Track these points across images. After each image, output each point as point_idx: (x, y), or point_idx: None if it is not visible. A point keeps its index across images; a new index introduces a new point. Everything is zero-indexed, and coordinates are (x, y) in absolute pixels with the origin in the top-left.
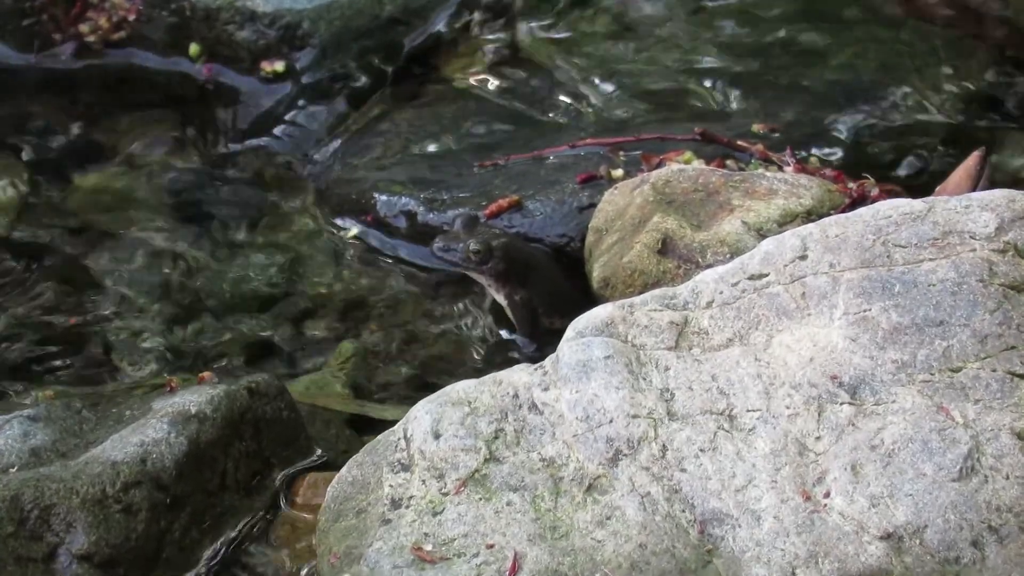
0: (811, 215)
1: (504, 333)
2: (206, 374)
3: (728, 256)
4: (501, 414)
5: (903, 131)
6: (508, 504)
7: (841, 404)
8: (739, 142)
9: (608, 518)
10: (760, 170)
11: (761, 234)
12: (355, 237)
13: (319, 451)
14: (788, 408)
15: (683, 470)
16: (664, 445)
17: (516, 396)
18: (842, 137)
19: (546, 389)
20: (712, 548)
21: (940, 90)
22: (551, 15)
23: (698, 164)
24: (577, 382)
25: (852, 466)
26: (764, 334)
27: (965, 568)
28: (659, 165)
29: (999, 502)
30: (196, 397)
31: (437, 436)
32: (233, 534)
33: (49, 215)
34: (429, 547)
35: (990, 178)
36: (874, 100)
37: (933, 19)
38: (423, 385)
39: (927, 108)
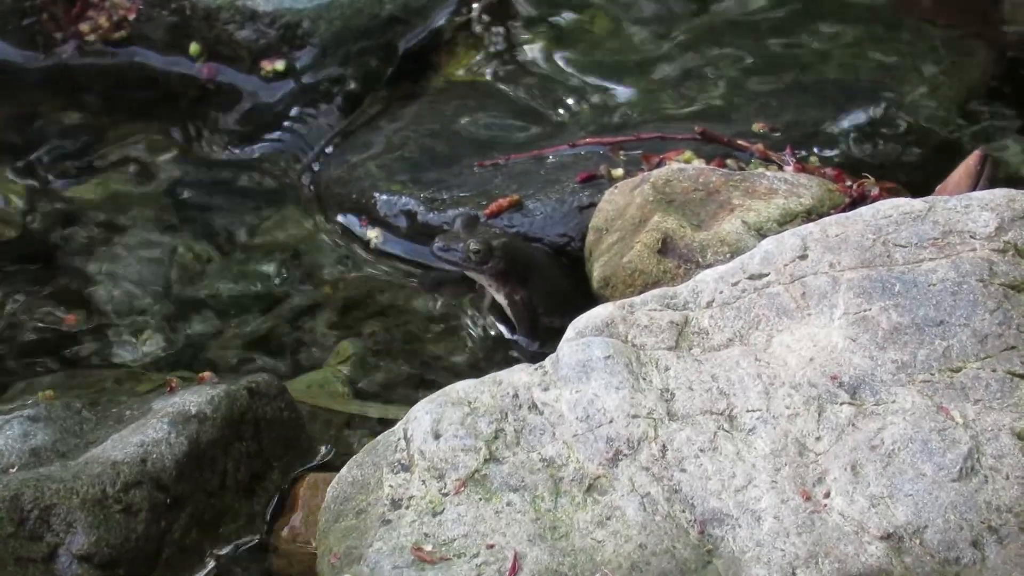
0: (811, 214)
1: (504, 333)
2: (206, 374)
3: (728, 256)
4: (501, 414)
5: (903, 130)
6: (508, 504)
7: (841, 404)
8: (739, 141)
9: (608, 518)
10: (760, 169)
11: (761, 234)
12: (375, 245)
13: (322, 450)
14: (788, 408)
15: (683, 470)
16: (664, 445)
17: (516, 396)
18: (842, 136)
19: (546, 389)
20: (712, 548)
21: (940, 89)
22: (550, 14)
23: (698, 163)
24: (577, 382)
25: (852, 466)
26: (764, 334)
27: (965, 568)
28: (659, 164)
29: (999, 502)
30: (196, 397)
31: (437, 436)
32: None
33: (49, 215)
34: (429, 547)
35: (990, 177)
36: (874, 99)
37: (931, 18)
38: (423, 385)
39: (927, 107)
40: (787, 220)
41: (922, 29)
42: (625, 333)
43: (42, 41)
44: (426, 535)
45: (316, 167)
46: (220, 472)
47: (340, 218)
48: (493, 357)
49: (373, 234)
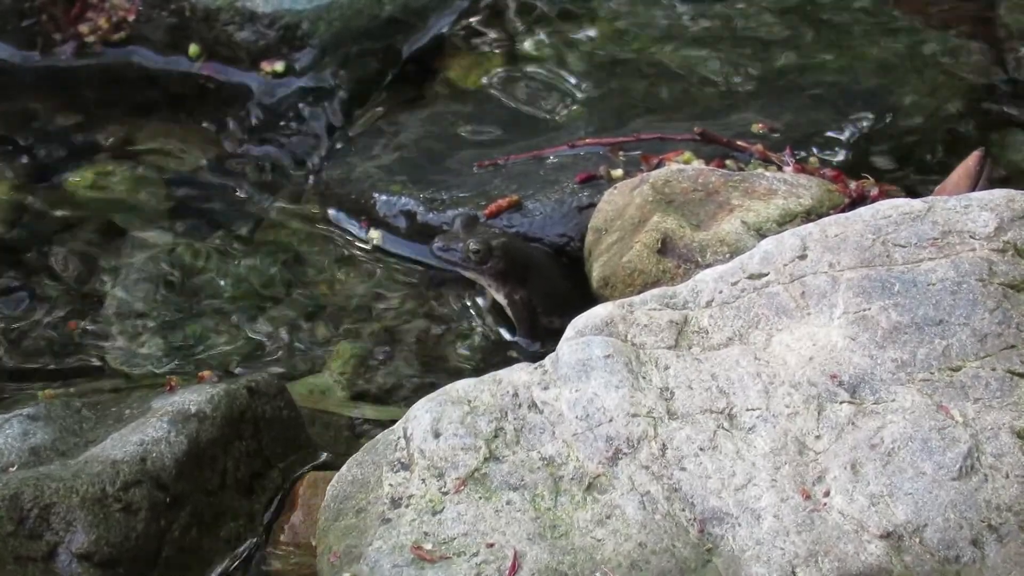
0: (811, 215)
1: (504, 333)
2: (206, 373)
3: (728, 256)
4: (501, 413)
5: (902, 131)
6: (508, 503)
7: (841, 403)
8: (738, 142)
9: (608, 517)
10: (759, 170)
11: (761, 234)
12: (377, 246)
13: (324, 455)
14: (788, 407)
15: (683, 469)
16: (664, 444)
17: (516, 395)
18: (841, 137)
19: (546, 388)
20: (712, 547)
21: (938, 91)
22: (550, 17)
23: (697, 164)
24: (577, 381)
25: (852, 465)
26: (764, 333)
27: (965, 567)
28: (659, 165)
29: (999, 501)
30: (196, 396)
31: (437, 435)
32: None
33: (48, 215)
34: (429, 546)
35: (989, 177)
36: (873, 101)
37: (929, 20)
38: (423, 385)
39: (926, 108)
40: (786, 220)
41: (921, 31)
42: (625, 332)
43: (41, 42)
44: (426, 534)
45: (316, 168)
46: (220, 471)
47: (334, 212)
48: (493, 357)
49: (374, 235)
